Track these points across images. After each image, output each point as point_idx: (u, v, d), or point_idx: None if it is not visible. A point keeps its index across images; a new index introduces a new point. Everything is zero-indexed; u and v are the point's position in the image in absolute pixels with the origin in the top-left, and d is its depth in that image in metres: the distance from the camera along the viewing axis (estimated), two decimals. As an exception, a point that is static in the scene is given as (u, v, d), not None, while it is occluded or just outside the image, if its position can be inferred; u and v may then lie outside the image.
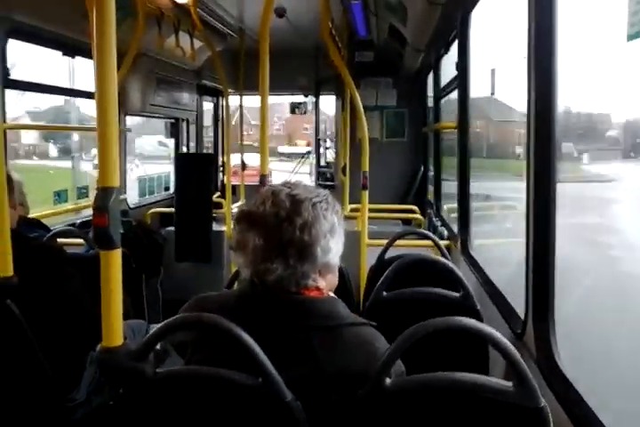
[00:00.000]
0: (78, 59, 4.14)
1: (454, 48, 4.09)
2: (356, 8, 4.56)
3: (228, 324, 1.24)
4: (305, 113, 8.30)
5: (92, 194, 4.45)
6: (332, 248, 1.37)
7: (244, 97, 6.49)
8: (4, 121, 3.38)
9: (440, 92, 4.94)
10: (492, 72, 3.13)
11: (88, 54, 4.00)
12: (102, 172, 1.24)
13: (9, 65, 3.34)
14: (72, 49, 4.00)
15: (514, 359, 1.18)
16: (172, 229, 4.87)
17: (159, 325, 1.29)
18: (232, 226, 1.42)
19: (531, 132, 1.82)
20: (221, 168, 7.46)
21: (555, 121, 1.75)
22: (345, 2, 4.41)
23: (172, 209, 4.90)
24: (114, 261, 1.26)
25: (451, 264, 2.12)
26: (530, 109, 1.84)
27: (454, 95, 4.35)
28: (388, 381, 1.22)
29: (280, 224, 1.31)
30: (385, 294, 2.07)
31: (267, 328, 1.30)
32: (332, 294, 1.44)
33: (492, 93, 3.23)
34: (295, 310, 1.32)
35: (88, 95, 3.34)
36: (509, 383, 1.19)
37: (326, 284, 1.41)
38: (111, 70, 1.25)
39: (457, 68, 3.53)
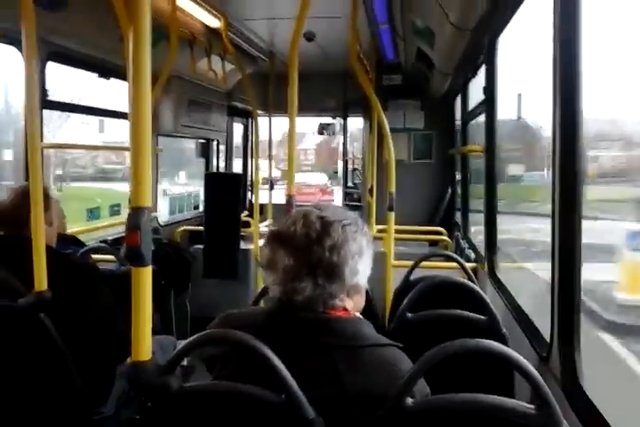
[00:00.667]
0: (113, 80, 4.26)
1: (481, 72, 4.13)
2: (384, 33, 4.64)
3: (253, 341, 1.26)
4: (333, 134, 8.39)
5: (124, 211, 4.55)
6: (360, 270, 1.39)
7: (274, 118, 6.58)
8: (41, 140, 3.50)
9: (467, 116, 4.95)
10: (519, 97, 3.15)
11: (122, 76, 4.13)
12: (135, 191, 1.28)
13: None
14: (107, 71, 4.13)
15: (536, 382, 1.18)
16: (200, 246, 4.94)
17: (186, 340, 1.33)
18: (263, 244, 1.45)
19: (556, 157, 1.83)
20: (250, 188, 7.55)
21: (581, 146, 1.76)
22: (373, 26, 4.48)
23: (201, 227, 4.98)
24: (144, 278, 1.30)
25: (475, 287, 2.12)
26: (555, 133, 1.85)
27: (481, 118, 4.39)
28: (409, 401, 1.23)
29: (310, 245, 1.35)
30: (410, 315, 2.08)
31: (292, 346, 1.32)
32: (358, 315, 1.46)
33: (519, 118, 3.24)
34: (320, 329, 1.35)
35: (124, 116, 3.44)
36: (532, 406, 1.20)
37: (353, 305, 1.44)
38: (145, 92, 1.30)
39: (484, 93, 3.55)
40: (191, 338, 1.32)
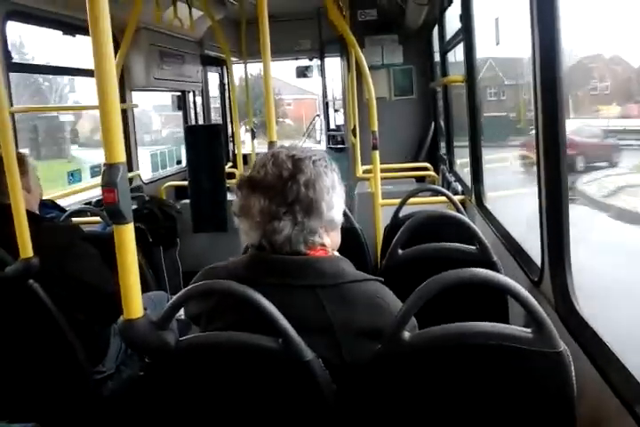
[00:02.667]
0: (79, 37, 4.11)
1: (457, 0, 4.01)
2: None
3: (243, 288, 1.26)
4: (310, 76, 8.21)
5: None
6: (335, 204, 1.41)
7: (250, 65, 6.42)
8: (11, 105, 3.39)
9: (446, 46, 4.84)
10: (496, 21, 3.07)
11: (87, 32, 3.98)
12: (107, 148, 1.24)
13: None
14: (72, 28, 3.97)
15: (530, 306, 1.19)
16: (187, 201, 4.91)
17: (178, 294, 1.32)
18: (235, 192, 1.43)
19: (537, 84, 1.79)
20: (231, 138, 7.44)
21: (560, 70, 1.72)
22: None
23: (186, 182, 4.93)
24: (127, 235, 1.27)
25: (463, 217, 2.11)
26: (535, 62, 1.80)
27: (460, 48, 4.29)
28: (406, 335, 1.24)
29: (285, 183, 1.35)
30: (401, 252, 2.08)
31: (275, 290, 1.32)
32: (336, 253, 1.47)
33: (497, 44, 3.16)
34: (301, 271, 1.36)
35: (90, 74, 3.35)
36: (528, 330, 1.21)
37: (331, 242, 1.45)
38: (106, 44, 1.24)
39: (461, 20, 3.46)
40: (180, 292, 1.31)
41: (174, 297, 1.32)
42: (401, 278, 2.03)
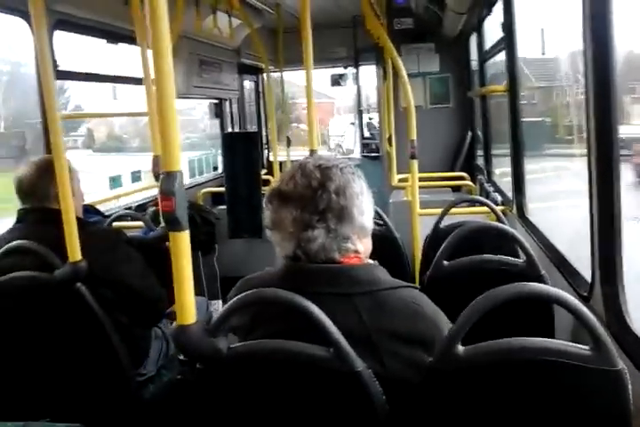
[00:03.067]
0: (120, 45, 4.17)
1: (497, 8, 3.98)
2: (394, -26, 4.47)
3: (293, 296, 1.26)
4: (344, 85, 8.23)
5: (145, 177, 4.54)
6: (366, 209, 1.43)
7: (284, 73, 6.46)
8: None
9: (485, 55, 4.80)
10: (542, 32, 3.04)
11: (130, 40, 4.05)
12: (165, 157, 1.25)
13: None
14: (115, 36, 4.05)
15: (589, 323, 1.16)
16: (223, 207, 4.95)
17: (230, 302, 1.32)
18: (265, 205, 1.45)
19: (589, 91, 1.76)
20: (266, 145, 7.49)
21: (615, 84, 1.69)
22: (382, -31, 4.33)
23: (223, 188, 4.97)
24: (183, 242, 1.28)
25: (514, 231, 2.09)
26: (587, 70, 1.78)
27: (499, 57, 4.25)
28: (460, 348, 1.23)
29: (315, 192, 1.37)
30: (446, 263, 2.06)
31: (313, 299, 1.31)
32: (370, 261, 1.47)
33: (543, 54, 3.14)
34: (337, 279, 1.36)
35: (138, 82, 3.40)
36: (586, 347, 1.18)
37: (364, 248, 1.45)
38: (166, 55, 1.26)
39: (503, 29, 3.43)
40: (232, 301, 1.31)
41: (226, 305, 1.32)
42: (446, 289, 2.02)
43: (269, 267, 1.53)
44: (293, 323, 1.29)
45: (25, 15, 3.07)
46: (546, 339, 1.20)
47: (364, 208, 1.42)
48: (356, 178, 1.43)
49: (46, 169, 2.20)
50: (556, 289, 1.23)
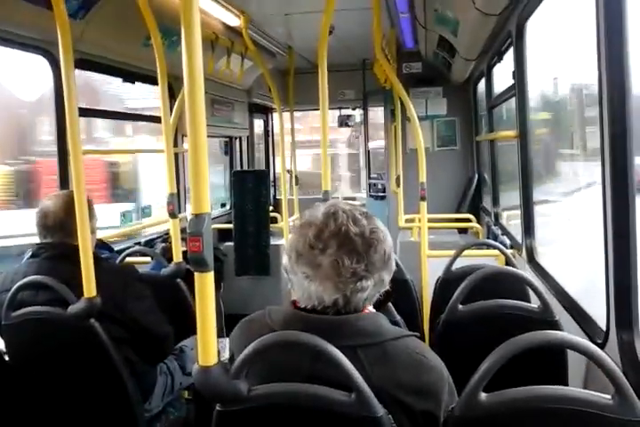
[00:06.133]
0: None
1: (507, 56, 4.08)
2: (404, 21, 4.60)
3: (317, 341, 1.26)
4: (353, 126, 8.36)
5: (155, 212, 4.58)
6: None
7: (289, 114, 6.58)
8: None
9: (494, 102, 4.89)
10: (554, 81, 3.11)
11: (147, 80, 4.15)
12: (195, 198, 1.27)
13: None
14: (131, 76, 4.15)
15: (613, 372, 1.17)
16: (230, 244, 4.97)
17: (252, 344, 1.31)
18: (297, 235, 1.42)
19: (605, 132, 1.79)
20: (272, 183, 7.56)
21: (631, 132, 1.72)
22: (393, 16, 4.45)
23: (230, 225, 5.00)
24: (208, 283, 1.29)
25: (527, 276, 2.10)
26: (602, 113, 1.81)
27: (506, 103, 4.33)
28: (482, 396, 1.23)
29: (367, 240, 1.34)
30: (461, 306, 2.06)
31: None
32: (372, 309, 1.45)
33: (557, 101, 3.20)
34: (343, 330, 1.33)
35: (157, 120, 3.46)
36: (608, 396, 1.18)
37: None
38: (199, 98, 1.29)
39: (514, 77, 3.50)
40: (252, 345, 1.31)
41: (249, 348, 1.31)
42: (461, 333, 2.02)
43: (270, 306, 1.50)
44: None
45: (46, 54, 3.16)
46: (568, 387, 1.21)
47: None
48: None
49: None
50: (577, 338, 1.24)
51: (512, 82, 3.61)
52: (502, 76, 4.22)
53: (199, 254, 1.27)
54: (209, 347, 1.31)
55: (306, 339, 1.28)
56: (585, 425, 1.19)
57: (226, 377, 1.29)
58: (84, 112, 3.51)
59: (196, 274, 1.31)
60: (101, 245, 3.20)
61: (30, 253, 2.39)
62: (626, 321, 1.75)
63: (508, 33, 3.54)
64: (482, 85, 5.61)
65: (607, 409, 1.17)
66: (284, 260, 1.41)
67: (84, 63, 3.48)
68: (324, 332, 1.30)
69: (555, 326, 1.94)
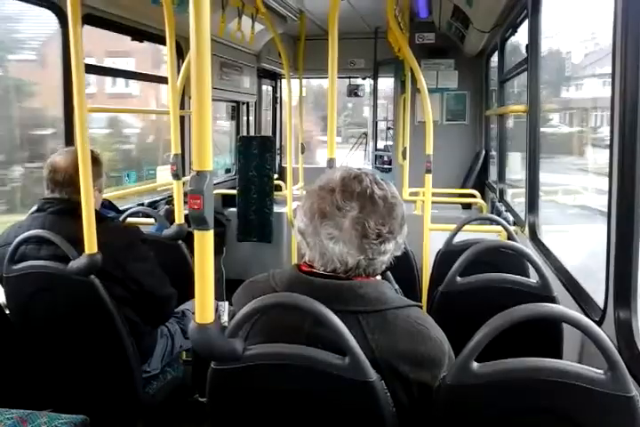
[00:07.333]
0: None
1: (522, 28, 4.00)
2: (420, -11, 4.51)
3: (313, 304, 1.26)
4: (361, 95, 8.25)
5: (159, 175, 4.57)
6: None
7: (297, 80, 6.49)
8: None
9: (505, 76, 4.82)
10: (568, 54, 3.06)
11: (155, 39, 4.09)
12: (197, 156, 1.26)
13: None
14: (140, 34, 4.08)
15: (607, 348, 1.17)
16: (234, 210, 4.97)
17: (249, 304, 1.32)
18: (318, 193, 1.42)
19: (615, 112, 1.77)
20: (278, 151, 7.52)
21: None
22: (409, -17, 4.36)
23: (234, 191, 5.00)
24: (207, 242, 1.29)
25: (528, 251, 2.09)
26: (614, 87, 1.78)
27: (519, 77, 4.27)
28: (475, 365, 1.23)
29: (389, 203, 1.37)
30: (459, 279, 2.06)
31: None
32: (378, 277, 1.45)
33: (568, 77, 3.15)
34: (346, 296, 1.34)
35: (164, 81, 3.41)
36: (600, 371, 1.19)
37: None
38: (205, 58, 1.26)
39: (527, 51, 3.44)
40: (249, 304, 1.31)
41: (245, 307, 1.31)
42: (458, 305, 2.03)
43: (274, 269, 1.51)
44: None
45: (54, 7, 3.10)
46: (561, 360, 1.21)
47: None
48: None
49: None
50: (573, 312, 1.23)
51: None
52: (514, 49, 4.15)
53: (199, 212, 1.26)
54: (206, 304, 1.31)
55: (303, 302, 1.28)
56: (575, 398, 1.20)
57: (222, 335, 1.30)
58: (91, 69, 3.47)
59: (195, 232, 1.30)
60: (108, 206, 3.20)
61: (36, 208, 2.39)
62: (624, 299, 1.76)
63: (523, 5, 3.47)
64: (494, 60, 5.52)
65: (598, 384, 1.17)
66: (300, 223, 1.40)
67: (91, 19, 3.43)
68: (327, 296, 1.31)
69: (552, 301, 1.94)
